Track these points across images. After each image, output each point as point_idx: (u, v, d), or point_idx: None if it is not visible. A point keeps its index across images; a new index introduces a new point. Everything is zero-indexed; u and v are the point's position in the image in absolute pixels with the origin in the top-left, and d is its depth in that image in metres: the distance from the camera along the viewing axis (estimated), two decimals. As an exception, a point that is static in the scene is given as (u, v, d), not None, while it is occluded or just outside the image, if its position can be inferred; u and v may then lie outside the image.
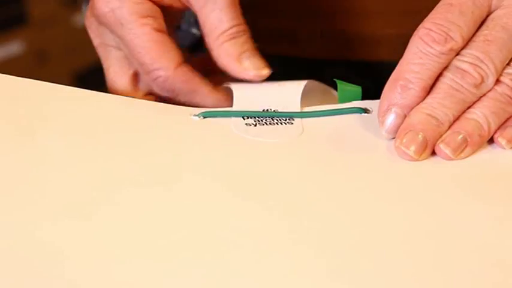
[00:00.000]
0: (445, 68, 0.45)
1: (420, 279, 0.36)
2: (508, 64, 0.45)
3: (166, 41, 0.52)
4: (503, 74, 0.45)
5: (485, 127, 0.44)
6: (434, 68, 0.45)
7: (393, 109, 0.45)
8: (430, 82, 0.45)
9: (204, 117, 0.50)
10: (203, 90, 0.51)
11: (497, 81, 0.45)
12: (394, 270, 0.37)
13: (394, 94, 0.45)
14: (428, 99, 0.45)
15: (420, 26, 0.45)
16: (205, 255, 0.38)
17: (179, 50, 0.52)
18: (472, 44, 0.45)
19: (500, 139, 0.44)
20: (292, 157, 0.46)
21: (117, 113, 0.51)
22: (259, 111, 0.50)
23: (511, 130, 0.45)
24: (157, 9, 0.52)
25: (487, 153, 0.45)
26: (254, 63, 0.51)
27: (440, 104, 0.44)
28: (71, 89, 0.52)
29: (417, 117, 0.44)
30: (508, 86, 0.45)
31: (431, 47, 0.44)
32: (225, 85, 0.51)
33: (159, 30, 0.52)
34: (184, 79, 0.51)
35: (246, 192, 0.43)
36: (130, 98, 0.53)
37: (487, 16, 0.46)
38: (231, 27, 0.50)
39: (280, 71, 0.52)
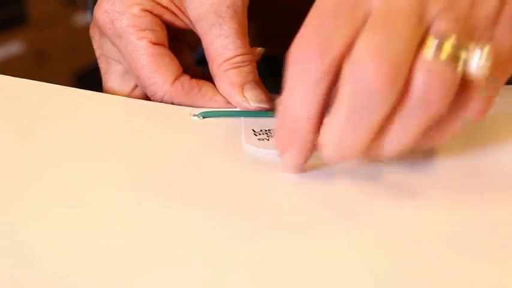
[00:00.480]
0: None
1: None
2: None
3: (164, 55, 0.51)
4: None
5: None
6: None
7: None
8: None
9: (204, 118, 0.50)
10: (204, 99, 0.51)
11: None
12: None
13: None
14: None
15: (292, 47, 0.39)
16: (205, 257, 0.38)
17: (177, 62, 0.52)
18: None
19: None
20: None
21: (117, 113, 0.51)
22: (257, 112, 0.50)
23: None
24: (158, 21, 0.52)
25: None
26: (257, 96, 0.50)
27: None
28: (71, 89, 0.53)
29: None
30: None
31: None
32: None
33: (157, 43, 0.51)
34: (182, 92, 0.51)
35: (244, 194, 0.43)
36: (130, 98, 0.53)
37: None
38: (237, 56, 0.50)
39: None
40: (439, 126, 0.40)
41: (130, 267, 0.37)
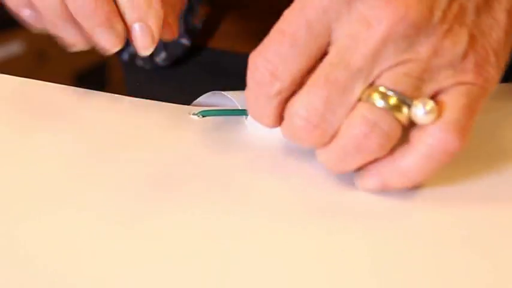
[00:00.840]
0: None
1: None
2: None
3: None
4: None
5: None
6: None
7: None
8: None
9: (203, 116, 0.50)
10: None
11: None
12: None
13: None
14: None
15: (251, 56, 0.41)
16: (205, 255, 0.38)
17: None
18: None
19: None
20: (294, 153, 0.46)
21: (117, 112, 0.51)
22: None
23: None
24: None
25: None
26: None
27: None
28: (71, 88, 0.53)
29: None
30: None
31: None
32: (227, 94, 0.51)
33: None
34: None
35: (244, 193, 0.43)
36: (130, 98, 0.53)
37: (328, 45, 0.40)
38: None
39: None
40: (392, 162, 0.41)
41: (130, 266, 0.37)
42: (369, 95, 0.39)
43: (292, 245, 0.38)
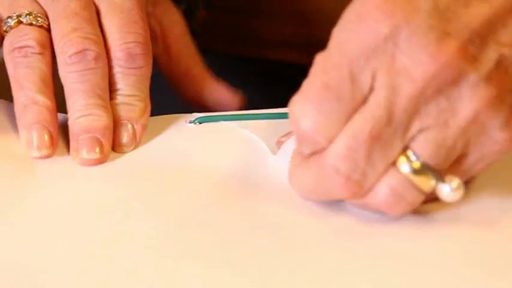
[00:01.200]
0: None
1: None
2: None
3: None
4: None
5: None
6: None
7: None
8: None
9: (200, 123, 0.49)
10: None
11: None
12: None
13: None
14: None
15: (292, 108, 0.39)
16: (206, 264, 0.38)
17: None
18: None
19: None
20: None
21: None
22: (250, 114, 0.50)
23: None
24: None
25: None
26: None
27: None
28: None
29: None
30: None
31: None
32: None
33: None
34: None
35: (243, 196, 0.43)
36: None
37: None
38: None
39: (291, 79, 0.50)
40: None
41: (130, 265, 0.37)
42: (400, 159, 0.38)
43: (298, 260, 0.38)
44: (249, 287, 0.37)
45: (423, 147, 0.37)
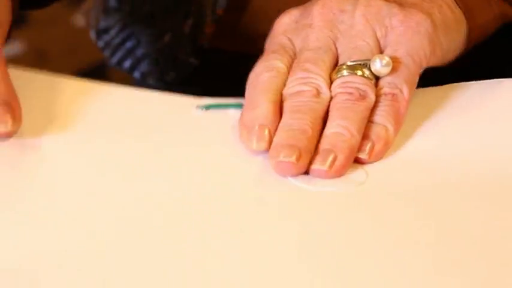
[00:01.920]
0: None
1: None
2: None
3: None
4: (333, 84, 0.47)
5: (345, 132, 0.45)
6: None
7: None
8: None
9: (207, 109, 0.50)
10: None
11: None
12: None
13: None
14: (283, 119, 0.46)
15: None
16: (204, 250, 0.38)
17: None
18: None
19: (360, 153, 0.45)
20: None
21: (120, 103, 0.51)
22: None
23: (366, 143, 0.45)
24: None
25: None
26: None
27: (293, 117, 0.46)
28: (73, 81, 0.53)
29: (281, 135, 0.45)
30: (341, 93, 0.46)
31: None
32: None
33: None
34: None
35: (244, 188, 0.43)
36: (134, 89, 0.53)
37: None
38: None
39: None
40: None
41: (129, 264, 0.37)
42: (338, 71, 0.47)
43: (297, 246, 0.39)
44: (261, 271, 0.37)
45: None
